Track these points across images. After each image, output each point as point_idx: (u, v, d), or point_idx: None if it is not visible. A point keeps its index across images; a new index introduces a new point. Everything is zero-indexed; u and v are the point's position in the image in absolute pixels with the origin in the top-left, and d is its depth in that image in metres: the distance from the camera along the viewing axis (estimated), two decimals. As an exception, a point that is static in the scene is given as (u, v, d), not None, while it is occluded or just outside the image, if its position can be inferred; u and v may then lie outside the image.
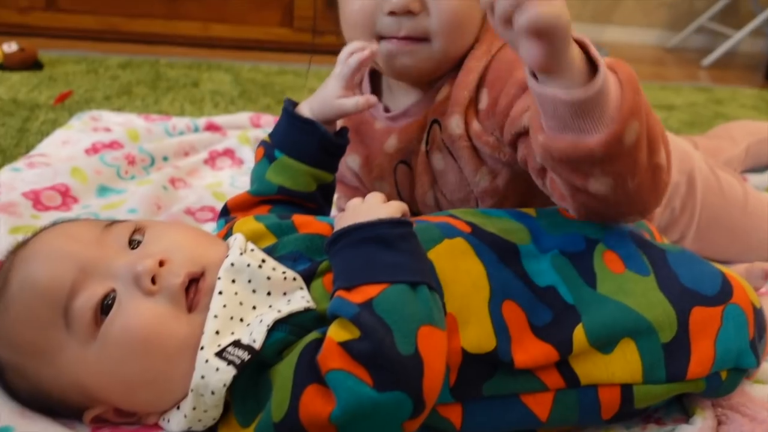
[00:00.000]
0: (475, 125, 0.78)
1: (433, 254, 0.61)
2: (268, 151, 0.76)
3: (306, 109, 0.76)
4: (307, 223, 0.67)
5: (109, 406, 0.58)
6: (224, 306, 0.56)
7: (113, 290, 0.56)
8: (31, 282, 0.57)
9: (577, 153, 0.56)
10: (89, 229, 0.61)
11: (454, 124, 0.78)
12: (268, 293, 0.58)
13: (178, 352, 0.55)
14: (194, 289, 0.57)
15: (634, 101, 0.55)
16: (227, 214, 0.76)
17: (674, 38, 3.32)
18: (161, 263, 0.57)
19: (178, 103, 1.55)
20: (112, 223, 0.63)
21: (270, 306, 0.58)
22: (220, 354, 0.54)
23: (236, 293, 0.57)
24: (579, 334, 0.60)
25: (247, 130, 1.33)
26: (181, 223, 0.71)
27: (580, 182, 0.60)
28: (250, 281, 0.58)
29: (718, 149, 1.19)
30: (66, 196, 1.00)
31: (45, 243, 0.60)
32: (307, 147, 0.75)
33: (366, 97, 0.75)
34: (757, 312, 0.67)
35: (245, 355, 0.54)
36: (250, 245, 0.62)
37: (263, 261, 0.59)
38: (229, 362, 0.53)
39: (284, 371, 0.53)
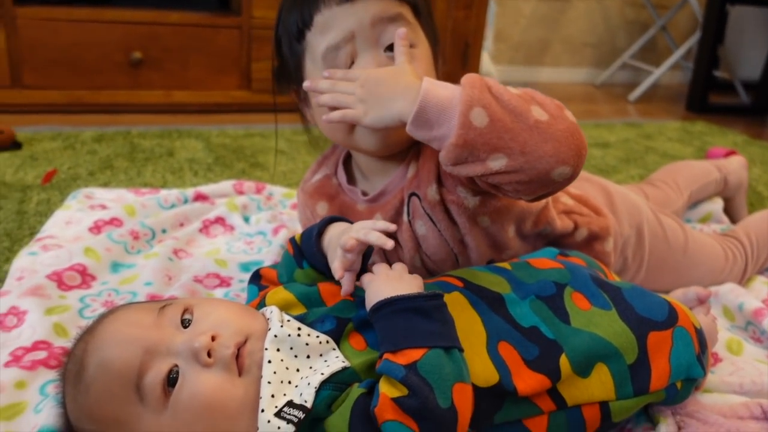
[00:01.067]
0: (444, 190, 0.92)
1: None
2: (298, 258, 0.84)
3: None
4: (331, 293, 0.79)
5: None
6: (274, 372, 0.67)
7: (176, 366, 0.67)
8: (105, 366, 0.67)
9: (451, 154, 0.75)
10: (146, 314, 0.72)
11: (432, 192, 0.92)
12: (308, 356, 0.70)
13: (237, 411, 0.66)
14: (240, 355, 0.68)
15: (469, 95, 0.74)
16: (258, 280, 0.87)
17: (601, 75, 3.59)
18: (213, 338, 0.68)
19: (159, 174, 1.64)
20: (164, 306, 0.74)
21: (311, 367, 0.69)
22: (278, 414, 0.64)
23: (282, 360, 0.68)
24: (564, 362, 0.74)
25: (233, 198, 1.44)
26: (222, 300, 0.82)
27: (482, 169, 0.76)
28: (291, 348, 0.70)
29: (666, 199, 1.37)
30: (84, 275, 1.09)
31: (112, 330, 0.70)
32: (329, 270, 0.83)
33: (346, 283, 0.78)
34: (698, 331, 0.83)
35: (300, 414, 0.64)
36: (286, 316, 0.73)
37: (299, 329, 0.71)
38: (288, 421, 0.64)
39: (338, 423, 0.65)
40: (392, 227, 0.73)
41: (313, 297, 0.79)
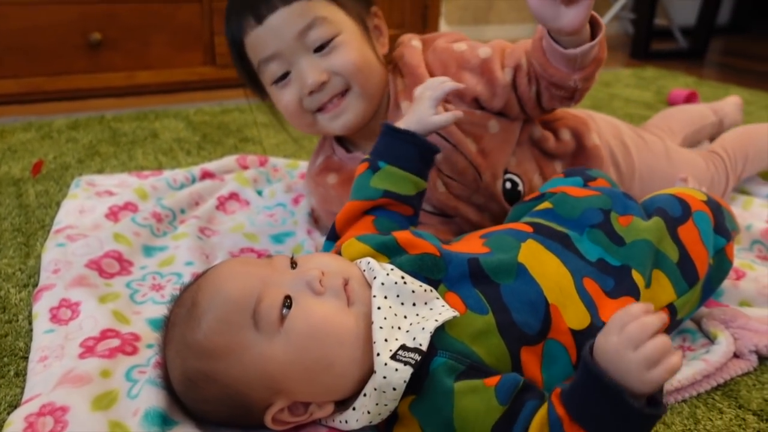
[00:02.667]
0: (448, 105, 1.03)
1: (521, 258, 0.76)
2: (372, 163, 0.88)
3: (403, 127, 0.90)
4: (410, 243, 0.80)
5: (289, 398, 0.68)
6: (385, 318, 0.69)
7: (288, 296, 0.68)
8: (223, 295, 0.68)
9: (566, 80, 0.95)
10: (257, 260, 0.75)
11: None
12: (413, 304, 0.71)
13: (348, 338, 0.68)
14: (347, 288, 0.71)
15: (603, 52, 0.94)
16: (335, 235, 0.87)
17: (546, 30, 3.66)
18: (322, 273, 0.71)
19: (150, 156, 1.59)
20: (269, 256, 0.77)
21: (417, 314, 0.71)
22: (394, 357, 0.66)
23: (390, 307, 0.70)
24: (637, 276, 0.78)
25: (240, 173, 1.42)
26: (321, 253, 0.83)
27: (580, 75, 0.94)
28: (398, 296, 0.71)
29: None
30: (121, 260, 1.06)
31: (227, 270, 0.72)
32: (409, 155, 0.88)
33: (453, 112, 0.92)
34: (708, 202, 0.90)
35: (416, 356, 0.66)
36: (388, 266, 0.74)
37: (403, 277, 0.72)
38: (405, 363, 0.65)
39: (475, 406, 0.65)
40: (459, 113, 0.91)
41: (391, 245, 0.79)
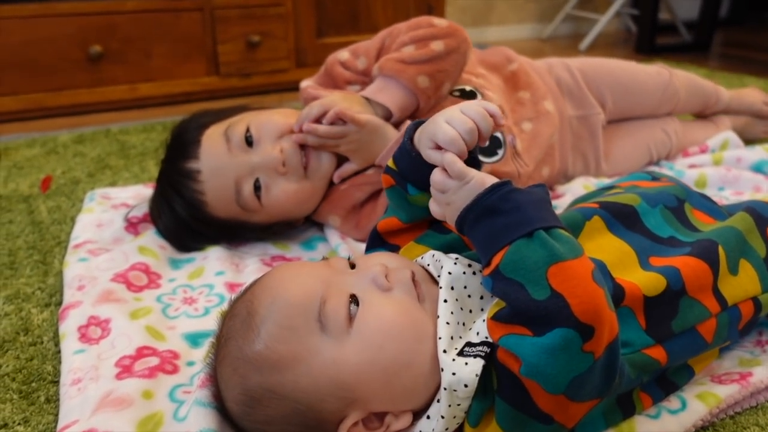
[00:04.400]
0: None
1: (581, 241, 0.70)
2: (400, 183, 0.75)
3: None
4: None
5: (364, 409, 0.62)
6: (451, 313, 0.63)
7: (354, 296, 0.62)
8: (283, 300, 0.62)
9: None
10: (313, 263, 0.69)
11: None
12: (481, 297, 0.66)
13: (424, 335, 0.62)
14: (416, 282, 0.65)
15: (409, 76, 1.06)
16: (381, 240, 0.80)
17: (546, 29, 3.62)
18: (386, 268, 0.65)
19: (163, 167, 1.52)
20: (324, 258, 0.71)
21: (482, 309, 0.65)
22: (461, 354, 0.61)
23: (456, 300, 0.64)
24: (721, 252, 0.73)
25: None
26: (380, 252, 0.76)
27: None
28: (465, 287, 0.65)
29: None
30: (149, 273, 0.99)
31: (284, 273, 0.66)
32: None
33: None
34: None
35: (486, 348, 0.60)
36: (453, 256, 0.68)
37: (469, 265, 0.66)
38: (476, 355, 0.60)
39: None
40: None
41: (456, 245, 0.73)
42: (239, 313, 0.64)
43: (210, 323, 0.88)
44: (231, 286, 0.97)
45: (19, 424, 0.73)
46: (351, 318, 0.61)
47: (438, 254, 0.69)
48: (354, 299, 0.62)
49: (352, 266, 0.68)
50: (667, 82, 1.41)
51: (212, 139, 1.05)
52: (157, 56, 2.15)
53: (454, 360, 0.59)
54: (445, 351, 0.60)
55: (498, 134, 1.17)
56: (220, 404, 0.67)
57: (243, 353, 0.62)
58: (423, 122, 0.71)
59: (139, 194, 1.31)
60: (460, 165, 0.64)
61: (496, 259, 0.59)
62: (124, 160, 1.57)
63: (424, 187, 0.70)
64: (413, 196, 0.74)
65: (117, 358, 0.78)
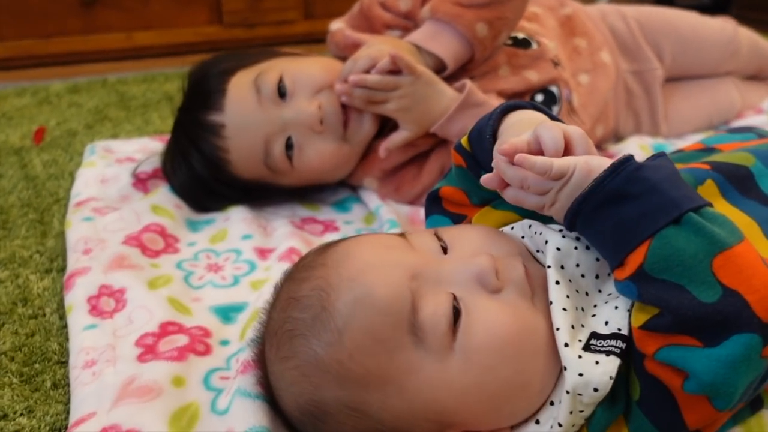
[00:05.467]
0: None
1: None
2: (473, 169, 0.61)
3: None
4: None
5: (461, 429, 0.50)
6: (567, 297, 0.50)
7: (454, 296, 0.49)
8: (370, 303, 0.48)
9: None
10: (391, 239, 0.55)
11: None
12: (597, 276, 0.53)
13: (544, 345, 0.49)
14: (529, 275, 0.52)
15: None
16: (442, 206, 0.67)
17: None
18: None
19: (169, 119, 1.36)
20: (402, 233, 0.56)
21: (600, 290, 0.53)
22: (587, 348, 0.48)
23: (570, 281, 0.52)
24: None
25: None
26: (467, 225, 0.62)
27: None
28: (578, 265, 0.53)
29: None
30: (165, 235, 0.86)
31: (363, 259, 0.51)
32: None
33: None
34: None
35: (620, 344, 0.48)
36: (555, 227, 0.56)
37: (578, 239, 0.54)
38: (608, 352, 0.48)
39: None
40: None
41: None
42: (310, 304, 0.50)
43: (241, 294, 0.76)
44: (261, 252, 0.84)
45: (21, 414, 0.60)
46: (454, 330, 0.48)
47: (536, 224, 0.56)
48: (455, 303, 0.49)
49: (443, 248, 0.54)
50: (731, 37, 1.28)
51: (240, 89, 0.91)
52: (154, 1, 1.98)
53: (580, 357, 0.47)
54: (567, 344, 0.48)
55: (553, 88, 1.04)
56: (269, 396, 0.55)
57: (318, 359, 0.49)
58: (517, 106, 0.60)
59: (145, 148, 1.17)
60: (559, 163, 0.50)
61: (637, 258, 0.46)
62: (124, 112, 1.42)
63: None
64: None
65: (137, 335, 0.66)
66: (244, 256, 0.83)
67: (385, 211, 0.93)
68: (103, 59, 1.94)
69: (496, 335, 0.48)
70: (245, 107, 0.90)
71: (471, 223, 0.64)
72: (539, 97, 1.02)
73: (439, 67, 0.94)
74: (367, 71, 0.88)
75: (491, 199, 0.64)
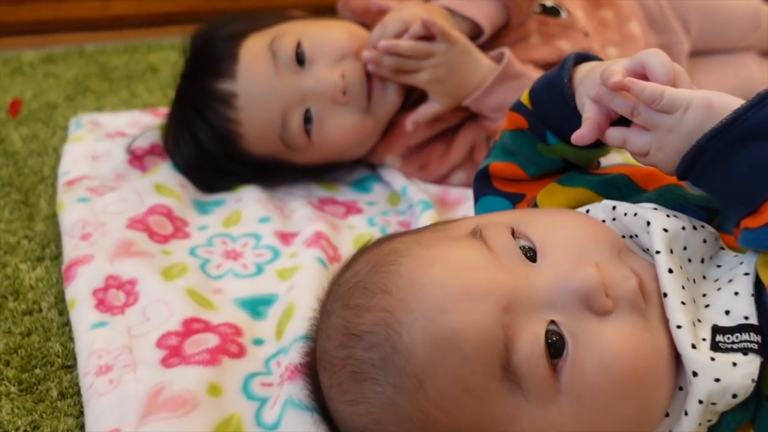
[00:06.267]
0: None
1: None
2: (536, 129, 0.55)
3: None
4: (647, 175, 0.53)
5: None
6: (682, 288, 0.43)
7: (553, 323, 0.40)
8: (454, 347, 0.40)
9: None
10: (467, 249, 0.44)
11: None
12: (702, 260, 0.46)
13: (666, 362, 0.41)
14: (643, 286, 0.43)
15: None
16: (492, 187, 0.59)
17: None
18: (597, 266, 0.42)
19: (158, 91, 1.27)
20: (474, 230, 0.45)
21: (704, 277, 0.46)
22: (716, 348, 0.41)
23: (681, 267, 0.44)
24: None
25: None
26: (546, 212, 0.53)
27: None
28: (685, 249, 0.45)
29: None
30: (173, 218, 0.77)
31: (437, 283, 0.41)
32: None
33: None
34: None
35: (754, 336, 0.41)
36: (647, 205, 0.48)
37: (676, 217, 0.46)
38: (745, 350, 0.40)
39: None
40: None
41: (620, 182, 0.53)
42: (376, 343, 0.41)
43: (268, 285, 0.68)
44: (283, 237, 0.75)
45: (24, 431, 0.51)
46: (556, 371, 0.40)
47: (623, 205, 0.47)
48: (555, 334, 0.40)
49: (530, 253, 0.44)
50: (756, 9, 1.22)
51: (254, 54, 0.82)
52: (133, -32, 1.85)
53: (713, 359, 0.40)
54: (693, 346, 0.40)
55: None
56: (323, 410, 0.46)
57: (397, 407, 0.41)
58: (587, 57, 0.53)
59: (136, 121, 1.06)
60: (672, 91, 0.43)
61: None
62: (107, 84, 1.31)
63: (569, 136, 0.49)
64: (552, 146, 0.54)
65: (157, 335, 0.57)
66: (265, 241, 0.74)
67: (414, 191, 0.84)
68: (78, 28, 1.80)
69: (613, 370, 0.40)
70: (260, 75, 0.81)
71: (534, 203, 0.56)
72: None
73: (473, 33, 0.85)
74: (398, 37, 0.79)
75: (551, 170, 0.56)
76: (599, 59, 0.53)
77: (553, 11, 0.96)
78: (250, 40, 0.83)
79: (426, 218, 0.76)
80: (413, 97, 0.88)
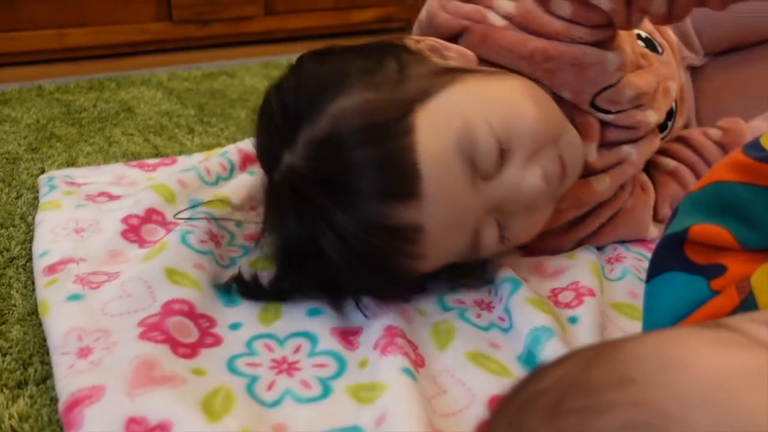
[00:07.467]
0: None
1: None
2: None
3: None
4: None
5: None
6: None
7: None
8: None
9: None
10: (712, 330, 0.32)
11: None
12: None
13: None
14: None
15: None
16: (685, 260, 0.44)
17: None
18: None
19: (138, 138, 1.08)
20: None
21: None
22: None
23: None
24: None
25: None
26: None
27: None
28: None
29: None
30: (195, 318, 0.58)
31: (702, 365, 0.28)
32: None
33: None
34: None
35: None
36: None
37: None
38: None
39: None
40: None
41: None
42: None
43: (344, 414, 0.51)
44: (343, 336, 0.58)
45: None
46: None
47: None
48: None
49: None
50: None
51: (440, 160, 0.56)
52: (92, -6, 1.66)
53: None
54: None
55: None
56: None
57: None
58: None
59: (122, 178, 0.88)
60: None
61: None
62: (76, 128, 1.11)
63: None
64: None
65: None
66: (323, 345, 0.57)
67: (491, 263, 0.69)
68: (31, 62, 1.60)
69: None
70: (456, 197, 0.57)
71: (741, 282, 0.41)
72: None
73: None
74: None
75: None
76: None
77: (648, 42, 0.82)
78: (423, 126, 0.56)
79: (519, 300, 0.61)
80: None
